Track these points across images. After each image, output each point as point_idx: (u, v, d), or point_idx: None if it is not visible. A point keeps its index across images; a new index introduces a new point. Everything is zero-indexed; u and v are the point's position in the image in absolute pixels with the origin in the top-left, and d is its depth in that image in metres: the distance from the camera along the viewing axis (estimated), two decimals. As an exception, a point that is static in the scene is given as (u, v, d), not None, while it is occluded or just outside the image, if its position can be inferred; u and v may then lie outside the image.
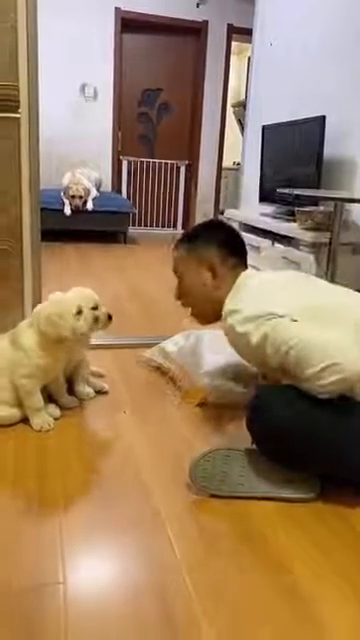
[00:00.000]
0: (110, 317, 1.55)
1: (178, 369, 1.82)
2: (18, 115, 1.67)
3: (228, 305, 1.38)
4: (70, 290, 1.57)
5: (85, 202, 4.84)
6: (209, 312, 1.51)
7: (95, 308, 1.53)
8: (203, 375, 1.73)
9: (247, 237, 3.66)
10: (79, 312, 1.46)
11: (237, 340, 1.32)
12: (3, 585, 0.94)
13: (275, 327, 1.22)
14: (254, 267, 1.54)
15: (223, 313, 1.39)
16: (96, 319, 1.50)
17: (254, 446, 1.28)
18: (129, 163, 5.97)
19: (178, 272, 1.56)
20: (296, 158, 3.47)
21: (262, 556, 1.05)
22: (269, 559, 1.04)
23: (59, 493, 1.20)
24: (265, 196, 3.88)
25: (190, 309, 1.58)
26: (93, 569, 1.01)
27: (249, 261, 1.56)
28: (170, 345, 1.95)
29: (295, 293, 1.36)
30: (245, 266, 1.52)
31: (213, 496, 1.21)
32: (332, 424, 1.16)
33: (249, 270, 1.50)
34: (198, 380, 1.71)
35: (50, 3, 4.59)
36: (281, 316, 1.23)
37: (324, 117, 3.11)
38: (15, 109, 1.67)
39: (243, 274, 1.47)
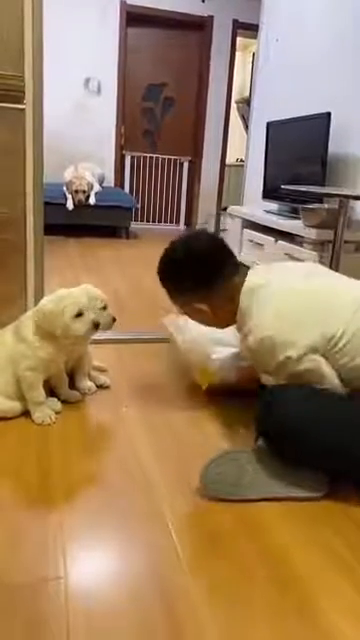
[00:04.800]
0: (114, 319, 1.57)
1: (190, 348, 1.79)
2: (23, 106, 1.67)
3: (247, 319, 1.33)
4: (79, 286, 1.57)
5: (88, 197, 4.82)
6: (220, 325, 1.52)
7: (104, 308, 1.54)
8: (214, 360, 1.70)
9: (250, 234, 3.64)
10: (79, 314, 1.44)
11: (251, 353, 1.33)
12: (4, 579, 0.93)
13: (288, 365, 1.24)
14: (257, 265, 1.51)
15: (243, 328, 1.35)
16: (96, 325, 1.46)
17: (258, 444, 1.28)
18: (132, 158, 5.95)
19: (174, 303, 1.53)
20: (301, 155, 3.45)
21: (266, 556, 1.04)
22: (273, 559, 1.03)
23: (60, 488, 1.20)
24: (269, 193, 3.86)
25: None
26: (94, 564, 1.00)
27: (252, 258, 1.54)
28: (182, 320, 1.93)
29: (314, 308, 1.29)
30: (236, 268, 1.44)
31: (224, 500, 1.19)
32: (345, 421, 1.16)
33: (253, 274, 1.40)
34: (208, 364, 1.69)
35: (55, -4, 4.56)
36: (300, 355, 1.23)
37: (329, 114, 3.09)
38: (20, 100, 1.66)
39: (249, 281, 1.38)
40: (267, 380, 1.57)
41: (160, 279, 1.50)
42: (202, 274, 1.41)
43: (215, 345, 1.76)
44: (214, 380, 1.67)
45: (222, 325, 1.52)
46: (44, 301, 1.48)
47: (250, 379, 1.67)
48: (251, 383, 1.67)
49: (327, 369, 1.23)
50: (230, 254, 1.46)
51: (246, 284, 1.38)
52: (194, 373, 1.73)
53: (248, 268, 1.45)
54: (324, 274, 1.45)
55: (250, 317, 1.32)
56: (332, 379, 1.24)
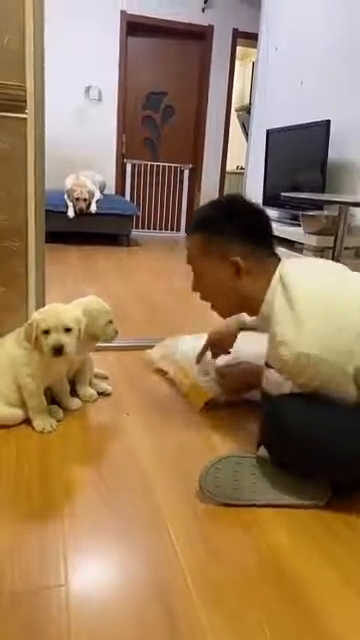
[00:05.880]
0: (116, 332, 1.61)
1: (178, 371, 1.81)
2: (25, 115, 1.68)
3: (280, 330, 1.17)
4: (86, 297, 1.59)
5: (89, 204, 4.84)
6: (233, 308, 1.39)
7: (110, 322, 1.57)
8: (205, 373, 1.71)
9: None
10: (46, 332, 1.38)
11: (281, 364, 1.21)
12: (4, 586, 0.93)
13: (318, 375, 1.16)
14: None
15: (276, 337, 1.18)
16: (57, 350, 1.37)
17: (260, 451, 1.27)
18: (133, 166, 5.98)
19: (192, 266, 1.39)
20: (301, 162, 3.47)
21: (267, 563, 1.04)
22: (274, 567, 1.03)
23: (61, 496, 1.20)
24: (269, 200, 3.88)
25: (210, 303, 1.42)
26: (95, 572, 1.00)
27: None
28: (171, 346, 1.95)
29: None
30: (273, 252, 1.34)
31: (223, 504, 1.19)
32: (348, 431, 1.15)
33: (288, 266, 1.27)
34: (199, 383, 1.70)
35: (56, 6, 4.60)
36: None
37: (329, 121, 3.11)
38: (22, 109, 1.67)
39: (281, 274, 1.25)
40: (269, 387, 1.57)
41: (191, 228, 1.39)
42: (243, 230, 1.30)
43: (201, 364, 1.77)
44: (208, 398, 1.66)
45: (231, 307, 1.39)
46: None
47: (240, 388, 1.68)
48: (243, 392, 1.68)
49: (351, 388, 1.18)
50: (272, 231, 1.37)
51: (280, 269, 1.26)
52: (188, 397, 1.72)
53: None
54: (355, 279, 1.30)
55: (285, 322, 1.17)
56: (352, 396, 1.18)
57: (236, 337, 1.68)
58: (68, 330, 1.40)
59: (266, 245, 1.33)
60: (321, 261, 1.49)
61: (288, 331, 1.15)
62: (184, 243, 1.46)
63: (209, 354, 1.75)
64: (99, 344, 1.64)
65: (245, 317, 1.60)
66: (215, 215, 1.35)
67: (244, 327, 1.66)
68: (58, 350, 1.37)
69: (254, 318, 1.48)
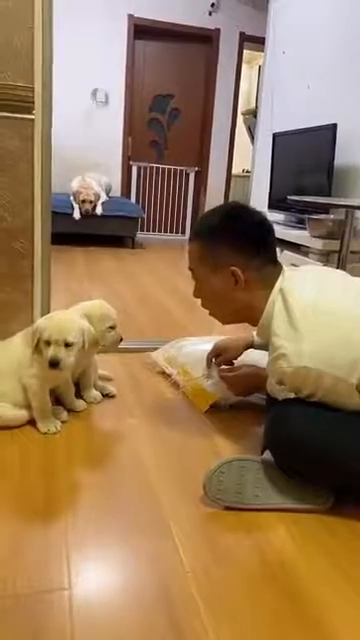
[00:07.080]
0: (120, 339, 1.60)
1: (182, 373, 1.80)
2: (32, 116, 1.68)
3: (280, 342, 1.16)
4: (92, 301, 1.59)
5: (95, 206, 4.85)
6: (232, 316, 1.40)
7: (112, 327, 1.55)
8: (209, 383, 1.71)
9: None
10: (47, 342, 1.38)
11: (282, 377, 1.19)
12: (6, 590, 0.92)
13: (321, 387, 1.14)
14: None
15: (276, 350, 1.17)
16: (53, 364, 1.36)
17: (265, 455, 1.27)
18: (139, 168, 5.99)
19: (193, 272, 1.40)
20: (307, 166, 3.47)
21: (271, 568, 1.03)
22: (278, 571, 1.02)
23: (65, 498, 1.19)
24: (275, 203, 3.88)
25: (209, 310, 1.44)
26: (99, 575, 0.99)
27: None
28: (174, 349, 1.95)
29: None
30: (274, 261, 1.34)
31: (227, 508, 1.18)
32: (352, 438, 1.14)
33: (289, 277, 1.28)
34: (205, 386, 1.70)
35: (64, 9, 4.62)
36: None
37: (335, 125, 3.11)
38: (30, 110, 1.67)
39: (281, 284, 1.26)
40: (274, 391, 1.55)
41: (192, 234, 1.39)
42: (243, 240, 1.31)
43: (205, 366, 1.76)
44: (214, 400, 1.66)
45: (230, 314, 1.39)
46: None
47: (243, 391, 1.67)
48: (245, 394, 1.67)
49: (355, 398, 1.16)
50: (273, 240, 1.37)
51: (281, 280, 1.27)
52: (192, 399, 1.72)
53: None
54: (356, 287, 1.28)
55: (284, 334, 1.16)
56: (356, 406, 1.16)
57: (241, 352, 1.70)
58: (69, 345, 1.38)
59: (266, 256, 1.33)
60: (323, 269, 1.49)
61: (287, 344, 1.15)
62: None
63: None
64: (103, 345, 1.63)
65: (254, 337, 1.64)
66: (214, 224, 1.35)
67: (251, 347, 1.68)
68: (54, 364, 1.37)
69: (261, 340, 1.50)
